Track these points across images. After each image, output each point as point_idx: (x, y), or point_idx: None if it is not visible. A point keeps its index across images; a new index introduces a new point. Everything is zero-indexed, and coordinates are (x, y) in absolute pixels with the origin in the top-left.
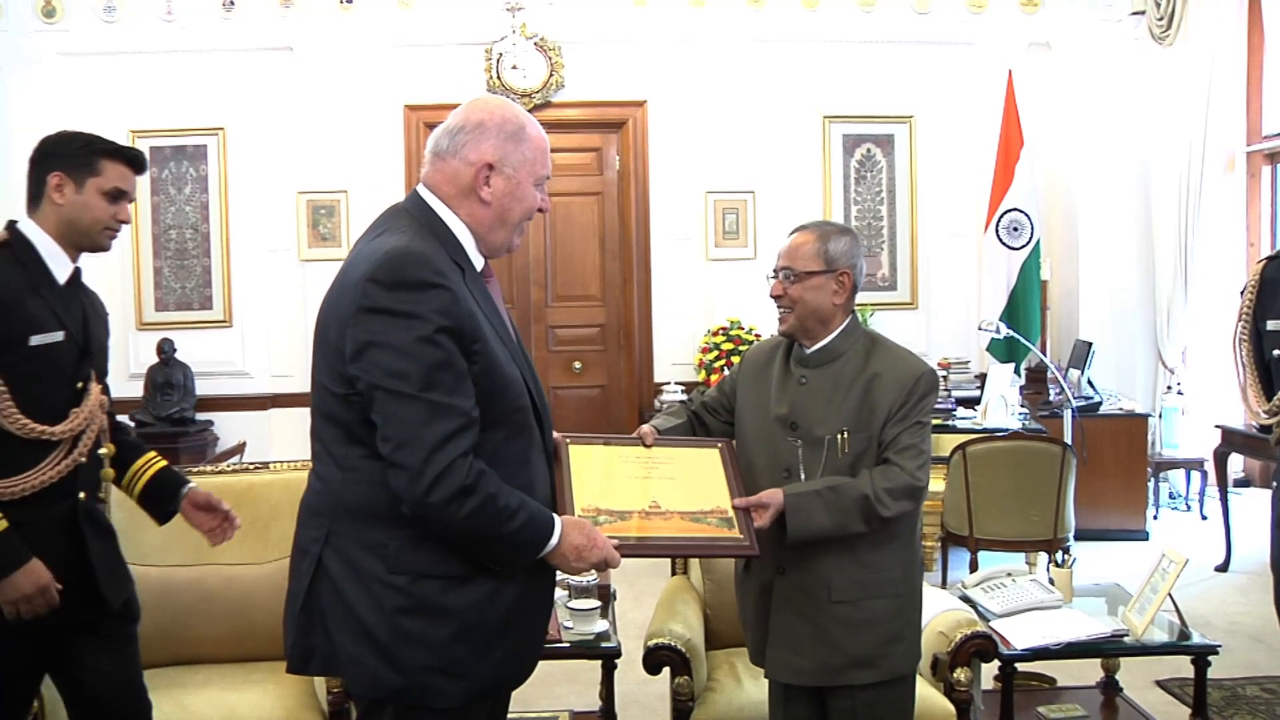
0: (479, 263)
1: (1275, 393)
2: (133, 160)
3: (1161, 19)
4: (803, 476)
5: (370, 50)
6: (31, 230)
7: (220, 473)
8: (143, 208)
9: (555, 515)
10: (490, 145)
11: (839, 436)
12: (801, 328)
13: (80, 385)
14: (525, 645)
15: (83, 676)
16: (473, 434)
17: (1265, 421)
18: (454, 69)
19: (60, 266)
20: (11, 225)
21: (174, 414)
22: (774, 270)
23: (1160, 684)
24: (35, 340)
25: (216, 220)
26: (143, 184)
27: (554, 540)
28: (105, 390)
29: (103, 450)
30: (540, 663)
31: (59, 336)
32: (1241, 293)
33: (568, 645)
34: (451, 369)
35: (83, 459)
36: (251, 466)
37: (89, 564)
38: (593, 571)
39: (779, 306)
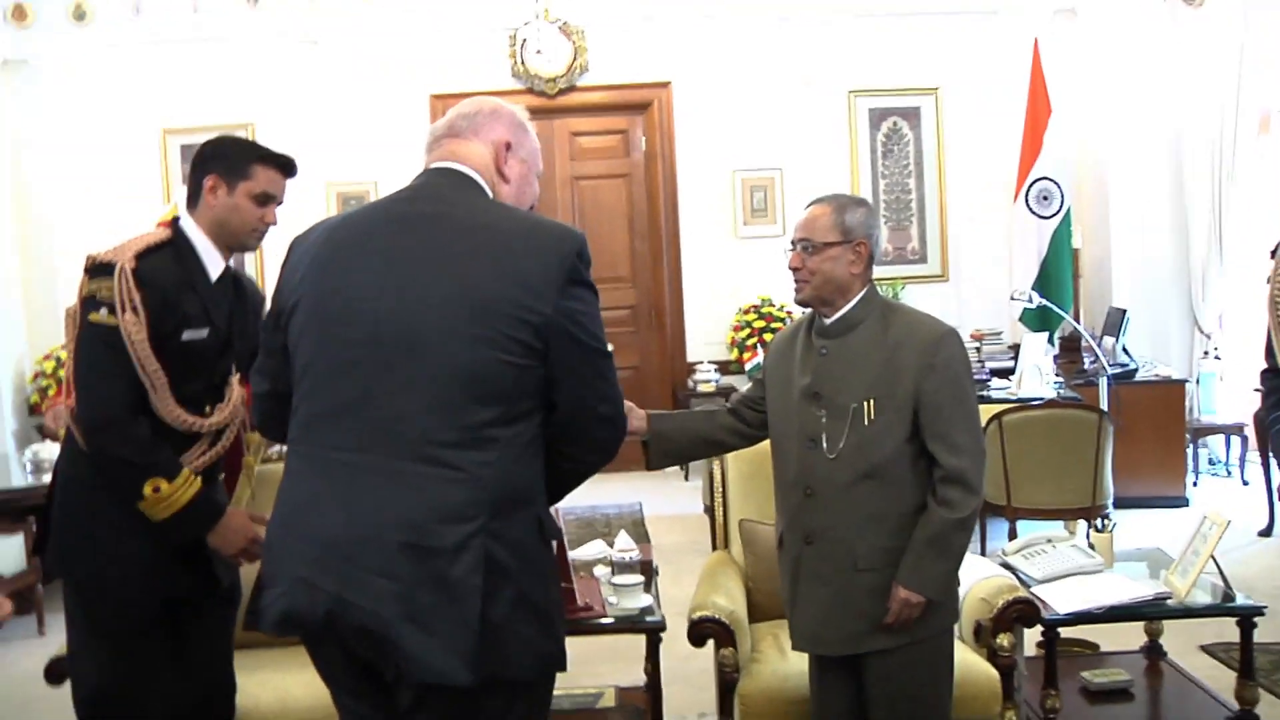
0: None
1: None
2: (284, 166)
3: None
4: (824, 445)
5: (395, 40)
6: (190, 228)
7: (268, 461)
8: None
9: None
10: (505, 127)
11: (865, 404)
12: (818, 297)
13: (218, 381)
14: None
15: (188, 651)
16: None
17: None
18: (478, 56)
19: (213, 264)
20: (174, 222)
21: None
22: (791, 242)
23: (1205, 648)
24: (186, 336)
25: None
26: (175, 182)
27: None
28: (244, 380)
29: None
30: (583, 639)
31: (204, 333)
32: (1273, 254)
33: (612, 621)
34: None
35: (224, 452)
36: None
37: (204, 543)
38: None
39: (797, 278)
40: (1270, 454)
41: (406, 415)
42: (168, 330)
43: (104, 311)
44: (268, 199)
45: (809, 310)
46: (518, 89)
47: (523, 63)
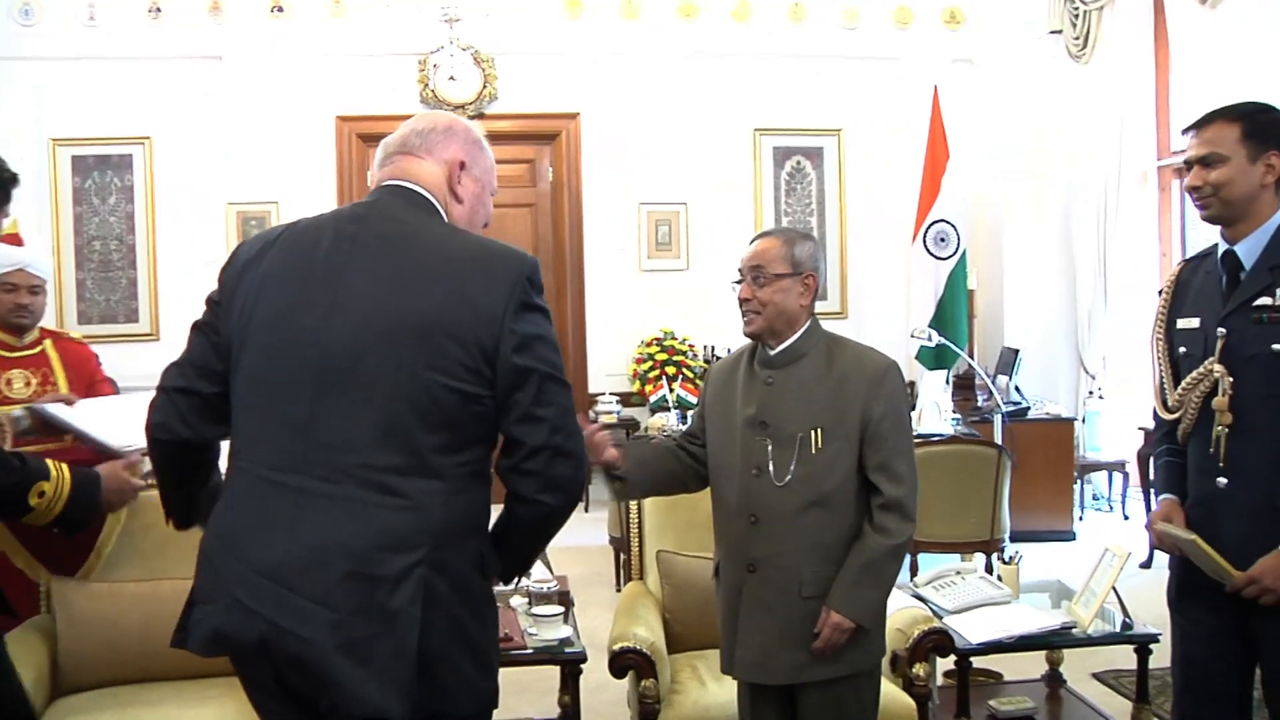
0: None
1: (1182, 381)
2: None
3: (1078, 38)
4: (771, 472)
5: (302, 60)
6: None
7: None
8: (64, 218)
9: None
10: (459, 146)
11: (813, 433)
12: (770, 329)
13: None
14: None
15: None
16: None
17: (1169, 417)
18: (387, 79)
19: None
20: None
21: None
22: (740, 273)
23: (1097, 676)
24: None
25: (143, 232)
26: (64, 194)
27: None
28: None
29: None
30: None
31: None
32: (1160, 293)
33: (531, 652)
34: None
35: None
36: None
37: None
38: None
39: (747, 310)
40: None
41: (352, 439)
42: None
43: None
44: None
45: (748, 343)
46: None
47: (431, 88)
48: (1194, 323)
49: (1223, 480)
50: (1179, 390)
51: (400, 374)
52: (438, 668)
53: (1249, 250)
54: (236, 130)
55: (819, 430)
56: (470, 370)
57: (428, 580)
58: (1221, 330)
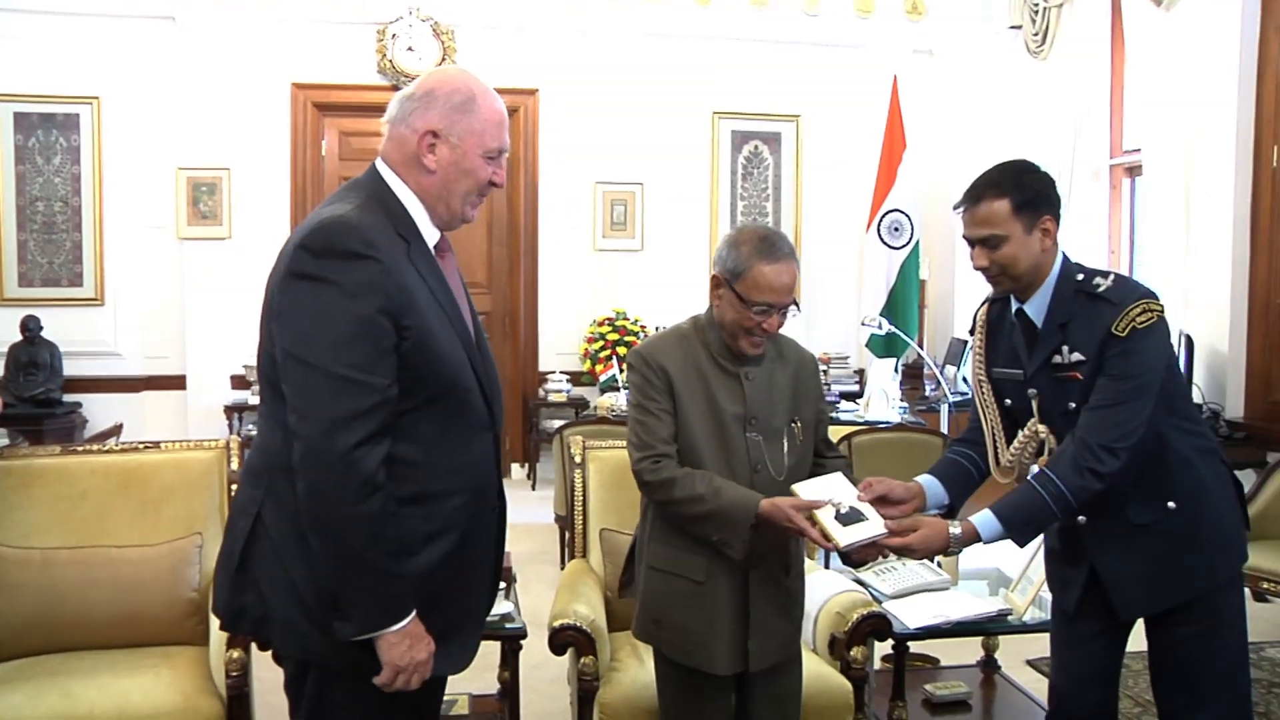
0: (431, 236)
1: (1014, 441)
2: None
3: (1036, 34)
4: (770, 469)
5: (258, 24)
6: None
7: (108, 452)
8: (6, 177)
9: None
10: (436, 114)
11: (794, 425)
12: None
13: None
14: (457, 630)
15: None
16: (385, 414)
17: (1003, 480)
18: (345, 48)
19: None
20: None
21: (39, 394)
22: (771, 305)
23: (1030, 663)
24: None
25: (89, 193)
26: (6, 151)
27: (401, 624)
28: None
29: None
30: None
31: None
32: (970, 333)
33: None
34: (370, 343)
35: None
36: (141, 446)
37: None
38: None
39: (764, 339)
40: None
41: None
42: None
43: None
44: None
45: (677, 332)
46: (382, 84)
47: (390, 59)
48: (1018, 374)
49: (1082, 518)
50: (1010, 452)
51: (259, 340)
52: (268, 597)
53: (1036, 309)
54: (188, 93)
55: (799, 422)
56: (270, 336)
57: (263, 508)
58: (1032, 390)
